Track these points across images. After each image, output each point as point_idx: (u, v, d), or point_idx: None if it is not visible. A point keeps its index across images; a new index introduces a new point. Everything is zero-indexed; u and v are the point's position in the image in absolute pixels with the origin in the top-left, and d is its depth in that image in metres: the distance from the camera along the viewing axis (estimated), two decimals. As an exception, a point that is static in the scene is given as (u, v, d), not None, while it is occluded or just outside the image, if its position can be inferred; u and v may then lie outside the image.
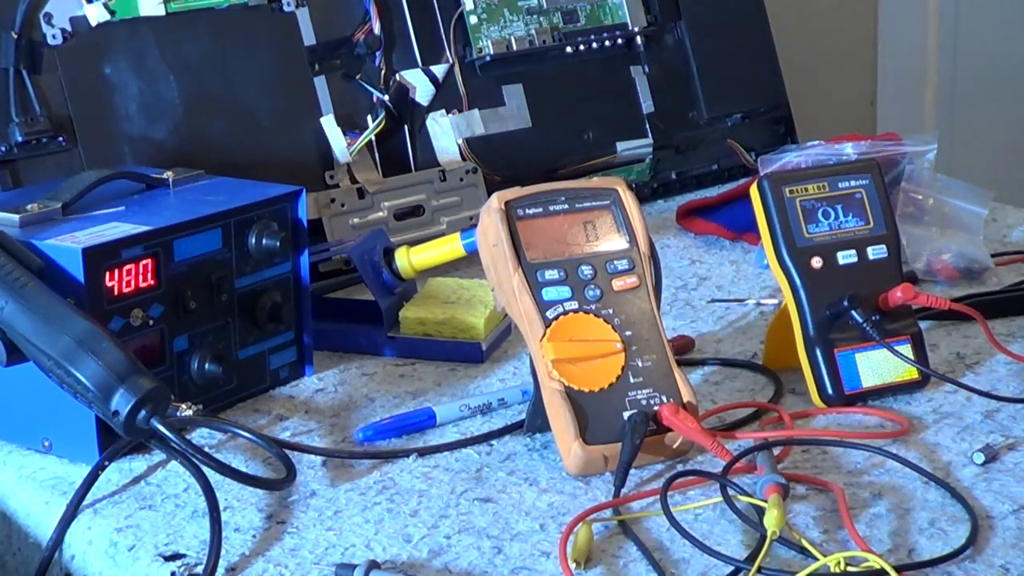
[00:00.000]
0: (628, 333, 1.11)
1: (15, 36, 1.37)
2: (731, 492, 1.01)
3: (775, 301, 1.42)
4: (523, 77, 1.69)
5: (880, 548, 0.98)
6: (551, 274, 1.11)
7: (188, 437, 1.06)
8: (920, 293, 1.20)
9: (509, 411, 1.20)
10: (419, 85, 1.61)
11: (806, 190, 1.21)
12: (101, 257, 1.10)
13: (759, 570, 0.94)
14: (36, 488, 1.10)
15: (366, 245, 1.34)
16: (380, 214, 1.54)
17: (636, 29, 1.77)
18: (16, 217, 1.15)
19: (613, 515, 1.02)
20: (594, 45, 1.74)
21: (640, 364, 1.10)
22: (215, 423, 1.13)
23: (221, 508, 1.02)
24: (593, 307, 1.11)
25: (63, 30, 1.40)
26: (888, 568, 0.92)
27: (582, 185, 1.16)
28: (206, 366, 1.18)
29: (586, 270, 1.12)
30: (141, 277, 1.13)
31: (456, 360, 1.31)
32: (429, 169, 1.60)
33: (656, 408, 1.09)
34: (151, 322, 1.14)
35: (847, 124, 2.35)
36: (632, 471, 1.07)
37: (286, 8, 1.54)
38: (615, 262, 1.13)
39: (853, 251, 1.21)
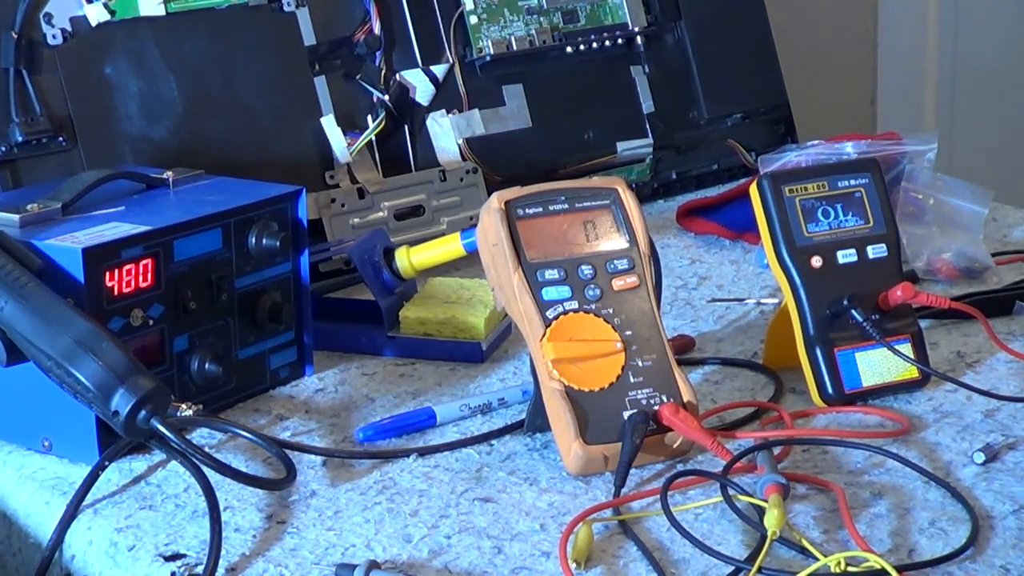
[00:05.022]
0: (628, 333, 1.11)
1: (15, 36, 1.37)
2: (731, 492, 1.01)
3: (775, 300, 1.42)
4: (523, 77, 1.69)
5: (880, 548, 0.97)
6: (551, 274, 1.11)
7: (188, 437, 1.06)
8: (920, 292, 1.20)
9: (509, 411, 1.20)
10: (419, 85, 1.61)
11: (806, 189, 1.21)
12: (101, 257, 1.10)
13: (759, 570, 0.93)
14: (36, 488, 1.10)
15: (366, 245, 1.34)
16: (380, 214, 1.54)
17: (636, 29, 1.76)
18: (16, 217, 1.15)
19: (613, 515, 1.02)
20: (594, 45, 1.74)
21: (640, 364, 1.10)
22: (215, 423, 1.13)
23: (221, 508, 1.02)
24: (593, 307, 1.11)
25: (63, 30, 1.40)
26: (888, 568, 0.92)
27: (582, 185, 1.16)
28: (206, 366, 1.18)
29: (586, 270, 1.12)
30: (141, 277, 1.13)
31: (456, 360, 1.31)
32: (429, 169, 1.60)
33: (656, 408, 1.09)
34: (151, 322, 1.14)
35: (847, 124, 2.35)
36: (632, 471, 1.07)
37: (286, 8, 1.54)
38: (615, 262, 1.13)
39: (853, 250, 1.21)
